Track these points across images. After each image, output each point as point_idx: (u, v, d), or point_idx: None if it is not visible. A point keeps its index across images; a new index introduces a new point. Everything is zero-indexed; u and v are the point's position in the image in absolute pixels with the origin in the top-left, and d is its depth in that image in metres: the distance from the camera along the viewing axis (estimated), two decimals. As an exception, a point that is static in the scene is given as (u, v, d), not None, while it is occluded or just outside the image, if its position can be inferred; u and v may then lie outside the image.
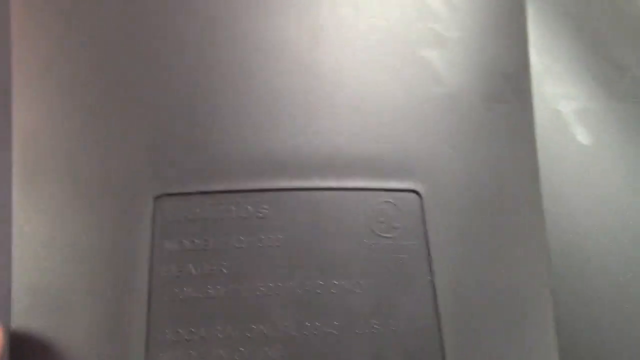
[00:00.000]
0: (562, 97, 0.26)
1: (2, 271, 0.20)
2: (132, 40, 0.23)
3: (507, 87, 0.25)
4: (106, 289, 0.20)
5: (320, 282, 0.20)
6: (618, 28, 0.29)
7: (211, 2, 0.24)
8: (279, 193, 0.21)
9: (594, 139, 0.25)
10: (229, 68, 0.23)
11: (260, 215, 0.21)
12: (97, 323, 0.20)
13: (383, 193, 0.22)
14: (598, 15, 0.29)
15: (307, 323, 0.20)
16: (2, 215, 0.21)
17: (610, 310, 0.22)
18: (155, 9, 0.24)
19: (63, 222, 0.21)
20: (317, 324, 0.20)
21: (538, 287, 0.22)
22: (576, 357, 0.22)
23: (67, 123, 0.22)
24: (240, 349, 0.20)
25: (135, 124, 0.22)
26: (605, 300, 0.23)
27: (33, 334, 0.20)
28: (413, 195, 0.22)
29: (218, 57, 0.23)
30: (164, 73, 0.23)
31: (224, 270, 0.20)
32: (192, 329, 0.20)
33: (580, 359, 0.22)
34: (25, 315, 0.20)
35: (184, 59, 0.23)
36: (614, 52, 0.28)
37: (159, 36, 0.23)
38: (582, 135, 0.25)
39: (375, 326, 0.20)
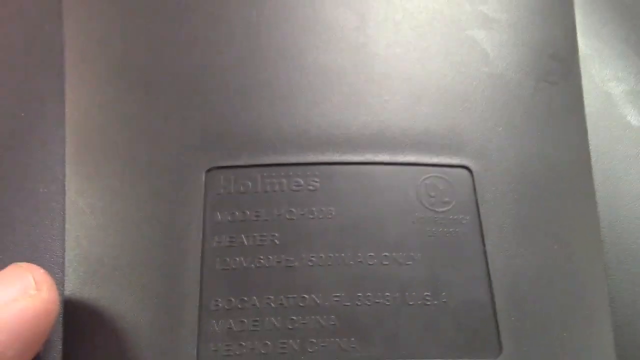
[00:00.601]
0: (610, 80, 0.25)
1: (56, 241, 0.21)
2: (185, 19, 0.24)
3: (556, 68, 0.25)
4: (159, 259, 0.20)
5: (372, 254, 0.20)
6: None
7: None
8: (329, 166, 0.22)
9: (644, 120, 0.24)
10: (279, 46, 0.23)
11: (312, 187, 0.21)
12: (150, 292, 0.20)
13: (434, 168, 0.22)
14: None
15: (358, 294, 0.20)
16: (54, 186, 0.21)
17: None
18: None
19: (115, 194, 0.21)
20: (368, 294, 0.20)
21: (592, 269, 0.22)
22: (632, 341, 0.21)
23: (119, 100, 0.22)
24: (292, 317, 0.20)
25: (187, 99, 0.22)
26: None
27: (86, 303, 0.20)
28: (464, 171, 0.22)
29: (268, 35, 0.23)
30: (216, 50, 0.23)
31: (276, 241, 0.20)
32: (245, 298, 0.20)
33: (635, 342, 0.21)
34: (79, 284, 0.20)
35: (235, 37, 0.23)
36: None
37: (211, 16, 0.24)
38: (632, 116, 0.24)
39: (427, 298, 0.20)
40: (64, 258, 0.20)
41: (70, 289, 0.20)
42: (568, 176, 0.23)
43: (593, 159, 0.23)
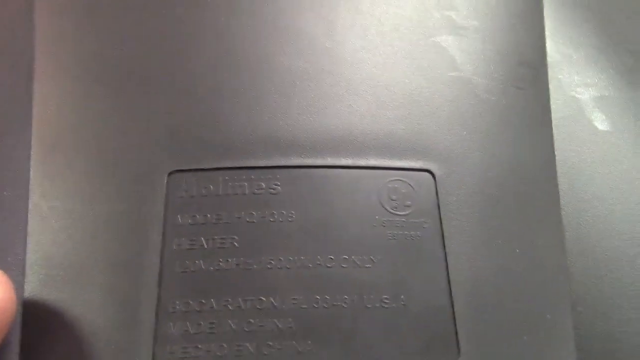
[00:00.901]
0: (579, 85, 0.25)
1: (18, 244, 0.21)
2: (154, 20, 0.24)
3: (524, 74, 0.25)
4: (118, 261, 0.20)
5: (331, 257, 0.20)
6: (636, 20, 0.28)
7: None
8: (291, 170, 0.22)
9: (611, 125, 0.25)
10: (245, 50, 0.24)
11: (273, 191, 0.21)
12: (109, 294, 0.20)
13: (396, 172, 0.22)
14: (616, 8, 0.29)
15: (317, 296, 0.20)
16: (18, 190, 0.21)
17: (628, 295, 0.22)
18: None
19: (78, 196, 0.21)
20: (327, 297, 0.20)
21: (554, 273, 0.22)
22: (592, 339, 0.21)
23: (84, 102, 0.23)
24: (250, 320, 0.20)
25: (152, 102, 0.22)
26: (623, 284, 0.22)
27: (46, 304, 0.20)
28: (427, 175, 0.22)
29: (235, 39, 0.24)
30: (183, 54, 0.23)
31: (236, 244, 0.20)
32: (203, 300, 0.20)
33: (598, 347, 0.21)
34: (39, 286, 0.20)
35: (203, 41, 0.24)
36: (633, 42, 0.27)
37: (180, 20, 0.24)
38: (599, 121, 0.25)
39: (385, 301, 0.20)
40: (24, 260, 0.20)
41: (31, 290, 0.20)
42: (532, 181, 0.23)
43: (559, 163, 0.24)
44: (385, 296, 0.20)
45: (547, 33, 0.27)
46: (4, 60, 0.24)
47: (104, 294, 0.20)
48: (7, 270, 0.19)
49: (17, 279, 0.20)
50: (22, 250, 0.21)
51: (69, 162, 0.22)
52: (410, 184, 0.22)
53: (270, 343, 0.19)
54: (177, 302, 0.20)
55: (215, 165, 0.22)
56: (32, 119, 0.22)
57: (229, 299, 0.20)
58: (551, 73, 0.25)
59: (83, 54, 0.24)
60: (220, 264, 0.20)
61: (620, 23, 0.28)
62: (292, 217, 0.21)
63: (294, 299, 0.20)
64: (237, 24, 0.24)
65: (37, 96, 0.23)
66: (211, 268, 0.20)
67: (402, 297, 0.20)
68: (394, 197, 0.22)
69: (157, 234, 0.21)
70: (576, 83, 0.26)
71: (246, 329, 0.20)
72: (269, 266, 0.20)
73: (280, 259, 0.20)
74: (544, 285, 0.21)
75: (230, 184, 0.21)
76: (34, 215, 0.21)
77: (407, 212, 0.21)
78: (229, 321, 0.20)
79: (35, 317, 0.20)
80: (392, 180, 0.22)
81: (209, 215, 0.21)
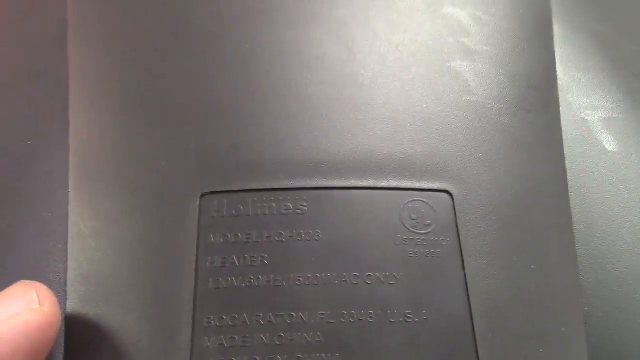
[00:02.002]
0: (588, 107, 0.27)
1: (59, 262, 0.22)
2: (183, 47, 0.25)
3: (535, 97, 0.26)
4: (155, 279, 0.21)
5: (356, 274, 0.21)
6: (642, 45, 0.30)
7: (254, 17, 0.26)
8: (317, 191, 0.23)
9: (620, 146, 0.26)
10: (270, 76, 0.25)
11: (300, 212, 0.22)
12: (146, 310, 0.21)
13: (416, 192, 0.23)
14: (622, 34, 0.30)
15: (343, 311, 0.21)
16: (58, 211, 0.23)
17: (638, 310, 0.23)
18: (201, 22, 0.25)
19: (114, 218, 0.22)
20: (352, 312, 0.21)
21: (567, 289, 0.23)
22: (604, 352, 0.22)
23: (118, 127, 0.24)
24: (281, 334, 0.21)
25: (183, 127, 0.24)
26: (633, 299, 0.23)
27: (86, 320, 0.21)
28: (445, 195, 0.23)
29: (260, 66, 0.25)
30: (211, 80, 0.25)
31: (265, 262, 0.22)
32: (235, 315, 0.21)
33: (607, 354, 0.22)
34: (79, 303, 0.21)
35: (229, 68, 0.25)
36: (638, 67, 0.29)
37: (206, 47, 0.25)
38: (608, 142, 0.26)
39: (408, 316, 0.21)
40: (65, 278, 0.21)
41: (71, 307, 0.21)
42: (545, 200, 0.24)
43: (570, 184, 0.25)
44: (408, 311, 0.21)
45: (557, 57, 0.28)
46: (41, 87, 0.25)
47: (141, 310, 0.21)
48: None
49: (59, 296, 0.21)
50: (62, 268, 0.22)
51: (105, 186, 0.23)
52: (429, 204, 0.23)
53: (300, 356, 0.20)
54: (212, 317, 0.21)
55: (244, 187, 0.23)
56: (69, 147, 0.23)
57: (261, 314, 0.21)
58: (561, 96, 0.27)
59: (114, 84, 0.25)
60: (252, 280, 0.21)
61: (626, 49, 0.29)
62: (318, 236, 0.22)
63: (321, 314, 0.21)
64: (261, 51, 0.26)
65: (73, 124, 0.24)
66: (243, 285, 0.21)
67: (424, 312, 0.21)
68: (414, 216, 0.23)
69: (191, 252, 0.22)
70: (585, 105, 0.27)
71: (277, 343, 0.21)
72: (297, 283, 0.21)
73: (308, 276, 0.21)
74: (558, 300, 0.22)
75: (259, 204, 0.23)
76: (72, 235, 0.22)
77: (427, 231, 0.22)
78: (261, 335, 0.21)
79: (76, 333, 0.21)
80: (412, 201, 0.23)
81: (239, 235, 0.22)
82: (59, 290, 0.21)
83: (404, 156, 0.24)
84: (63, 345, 0.21)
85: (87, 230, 0.22)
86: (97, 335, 0.21)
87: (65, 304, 0.21)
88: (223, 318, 0.21)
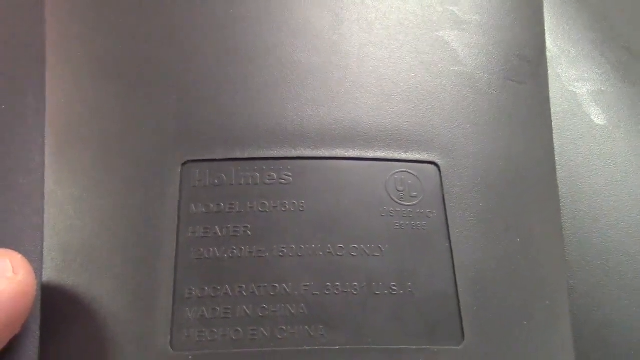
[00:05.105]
0: (576, 80, 0.26)
1: (35, 230, 0.21)
2: (162, 14, 0.24)
3: (524, 68, 0.26)
4: (135, 249, 0.21)
5: (341, 246, 0.21)
6: (632, 17, 0.29)
7: None
8: (302, 161, 0.22)
9: (608, 119, 0.25)
10: (254, 43, 0.24)
11: (284, 181, 0.22)
12: (126, 280, 0.21)
13: (403, 164, 0.23)
14: (612, 6, 0.29)
15: (327, 283, 0.21)
16: (33, 177, 0.22)
17: (622, 283, 0.23)
18: None
19: (93, 185, 0.22)
20: (337, 284, 0.21)
21: (552, 262, 0.23)
22: (590, 331, 0.22)
23: (98, 93, 0.23)
24: (264, 306, 0.20)
25: (164, 94, 0.23)
26: (617, 273, 0.23)
27: (64, 290, 0.20)
28: (432, 167, 0.23)
29: (244, 32, 0.24)
30: (193, 47, 0.24)
31: (248, 232, 0.21)
32: (217, 287, 0.20)
33: (593, 333, 0.22)
34: (56, 271, 0.21)
35: (212, 34, 0.24)
36: (629, 41, 0.28)
37: (188, 12, 0.24)
38: (596, 115, 0.25)
39: (393, 288, 0.21)
40: (42, 246, 0.21)
41: (48, 276, 0.21)
42: (532, 172, 0.24)
43: (558, 156, 0.24)
44: (393, 283, 0.21)
45: (546, 28, 0.27)
46: (16, 52, 0.24)
47: (121, 280, 0.21)
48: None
49: (35, 265, 0.20)
50: (39, 237, 0.21)
51: (84, 152, 0.22)
52: (416, 176, 0.23)
53: (284, 327, 0.20)
54: (193, 288, 0.20)
55: (227, 156, 0.22)
56: (46, 111, 0.22)
57: (243, 285, 0.21)
58: (550, 67, 0.26)
59: (94, 48, 0.24)
60: (234, 251, 0.21)
61: (616, 21, 0.29)
62: (302, 206, 0.22)
63: (305, 285, 0.21)
64: (244, 17, 0.25)
65: (50, 89, 0.23)
66: (225, 255, 0.21)
67: (409, 284, 0.21)
68: (400, 188, 0.22)
69: (171, 221, 0.21)
70: (574, 77, 0.26)
71: (260, 314, 0.20)
72: (281, 254, 0.21)
73: (292, 247, 0.21)
74: (543, 273, 0.22)
75: (242, 174, 0.22)
76: (49, 202, 0.22)
77: (413, 203, 0.22)
78: (244, 306, 0.20)
79: (54, 302, 0.20)
80: (398, 172, 0.23)
81: (222, 205, 0.22)
82: (35, 259, 0.21)
83: (391, 126, 0.23)
84: (39, 314, 0.20)
85: (64, 198, 0.21)
86: (74, 305, 0.20)
87: (42, 273, 0.20)
88: (204, 289, 0.20)
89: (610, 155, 0.25)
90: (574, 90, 0.26)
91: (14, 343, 0.19)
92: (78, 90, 0.23)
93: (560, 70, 0.26)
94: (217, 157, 0.22)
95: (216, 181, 0.22)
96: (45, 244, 0.21)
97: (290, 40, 0.24)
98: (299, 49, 0.24)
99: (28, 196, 0.22)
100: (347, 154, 0.22)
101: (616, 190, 0.24)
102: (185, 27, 0.24)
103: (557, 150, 0.24)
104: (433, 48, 0.25)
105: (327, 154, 0.22)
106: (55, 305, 0.20)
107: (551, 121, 0.25)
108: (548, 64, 0.26)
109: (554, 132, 0.25)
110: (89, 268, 0.21)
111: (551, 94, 0.25)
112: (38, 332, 0.20)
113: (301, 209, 0.21)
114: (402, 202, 0.22)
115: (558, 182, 0.24)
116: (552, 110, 0.25)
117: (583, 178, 0.24)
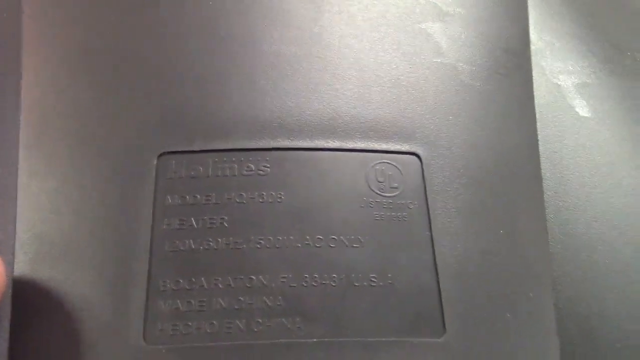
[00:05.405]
0: (561, 72, 0.26)
1: (8, 222, 0.21)
2: (141, 7, 0.24)
3: (507, 60, 0.25)
4: (109, 241, 0.20)
5: (320, 237, 0.21)
6: (618, 13, 0.29)
7: None
8: (280, 152, 0.22)
9: (592, 112, 0.25)
10: (234, 33, 0.24)
11: (262, 173, 0.22)
12: (100, 272, 0.20)
13: (383, 154, 0.22)
14: (597, 2, 0.29)
15: (305, 275, 0.20)
16: (6, 168, 0.21)
17: (605, 276, 0.23)
18: None
19: (68, 177, 0.21)
20: (315, 276, 0.20)
21: (536, 253, 0.22)
22: (573, 322, 0.22)
23: (73, 84, 0.23)
24: (240, 298, 0.20)
25: (140, 84, 0.23)
26: (601, 266, 0.23)
27: (37, 283, 0.20)
28: (413, 158, 0.22)
29: (223, 23, 0.24)
30: (171, 37, 0.23)
31: (225, 224, 0.21)
32: (193, 279, 0.20)
33: (578, 325, 0.22)
34: (29, 264, 0.20)
35: (190, 24, 0.24)
36: (614, 35, 0.28)
37: (167, 3, 0.24)
38: (580, 108, 0.25)
39: (373, 280, 0.20)
40: (14, 239, 0.20)
41: (21, 268, 0.20)
42: (516, 164, 0.23)
43: (542, 149, 0.24)
44: (373, 275, 0.20)
45: (531, 22, 0.27)
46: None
47: (94, 272, 0.20)
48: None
49: (7, 258, 0.20)
50: (11, 229, 0.21)
51: (59, 144, 0.22)
52: (397, 167, 0.22)
53: (260, 320, 0.20)
54: (168, 281, 0.20)
55: (204, 147, 0.22)
56: (21, 101, 0.22)
57: (219, 278, 0.20)
58: (534, 60, 0.26)
59: (69, 40, 0.24)
60: (210, 243, 0.20)
61: (600, 16, 0.28)
62: (281, 198, 0.21)
63: (283, 277, 0.20)
64: (223, 7, 0.24)
65: (26, 80, 0.23)
66: (201, 247, 0.20)
67: (390, 275, 0.21)
68: (381, 179, 0.22)
69: (146, 213, 0.21)
70: (558, 70, 0.26)
71: (236, 307, 0.20)
72: (258, 246, 0.21)
73: (269, 239, 0.21)
74: (526, 265, 0.22)
75: (219, 165, 0.22)
76: (23, 194, 0.21)
77: (394, 194, 0.22)
78: (219, 299, 0.20)
79: (26, 295, 0.20)
80: (379, 163, 0.22)
81: (198, 196, 0.21)
82: (7, 252, 0.20)
83: (372, 117, 0.23)
84: (9, 308, 0.19)
85: (39, 190, 0.21)
86: (47, 298, 0.20)
87: (13, 266, 0.20)
88: (179, 281, 0.20)
89: (594, 147, 0.25)
90: (558, 82, 0.26)
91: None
92: (53, 82, 0.23)
93: (545, 63, 0.26)
94: (194, 149, 0.22)
95: (192, 173, 0.21)
96: (18, 236, 0.20)
97: (270, 31, 0.24)
98: (278, 39, 0.24)
99: (1, 188, 0.21)
100: (326, 145, 0.22)
101: (601, 182, 0.24)
102: (163, 19, 0.24)
103: (541, 142, 0.24)
104: (415, 40, 0.25)
105: (306, 144, 0.22)
106: (27, 299, 0.20)
107: (535, 113, 0.24)
108: (532, 57, 0.26)
109: (538, 124, 0.24)
110: (63, 261, 0.20)
111: (535, 87, 0.25)
112: (8, 325, 0.19)
113: (279, 200, 0.21)
114: (383, 194, 0.22)
115: (542, 174, 0.23)
116: (536, 102, 0.25)
117: (567, 170, 0.24)
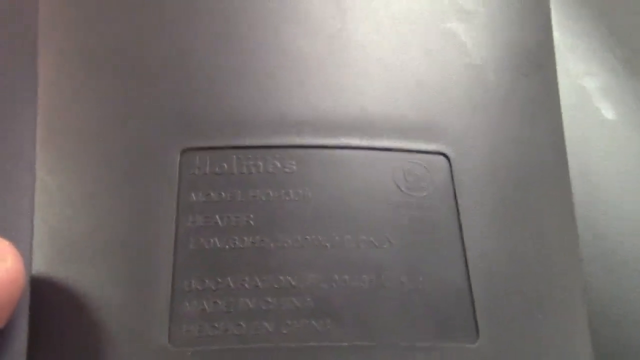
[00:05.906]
0: (585, 74, 0.26)
1: (24, 218, 0.20)
2: (162, 3, 0.23)
3: (531, 61, 0.25)
4: (131, 239, 0.20)
5: (348, 237, 0.20)
6: (637, 15, 0.29)
7: None
8: (306, 150, 0.21)
9: (618, 114, 0.25)
10: (257, 29, 0.23)
11: (288, 170, 0.21)
12: (122, 272, 0.19)
13: (411, 154, 0.22)
14: (617, 6, 0.29)
15: (335, 276, 0.20)
16: (23, 164, 0.21)
17: (638, 279, 0.22)
18: None
19: (87, 174, 0.21)
20: (345, 277, 0.20)
21: (566, 255, 0.22)
22: (606, 325, 0.21)
23: (93, 80, 0.22)
24: (267, 299, 0.19)
25: (164, 79, 0.22)
26: (633, 269, 0.22)
27: (55, 281, 0.19)
28: (441, 157, 0.22)
29: (247, 19, 0.23)
30: (194, 33, 0.23)
31: (251, 222, 0.20)
32: (219, 279, 0.19)
33: (609, 327, 0.21)
34: (47, 263, 0.19)
35: (214, 21, 0.23)
36: (634, 37, 0.28)
37: (189, 0, 0.23)
38: (606, 110, 0.25)
39: (403, 282, 0.20)
40: (31, 236, 0.20)
41: (39, 266, 0.19)
42: (544, 166, 0.23)
43: (568, 150, 0.24)
44: (403, 277, 0.20)
45: (554, 24, 0.27)
46: (7, 37, 0.23)
47: (116, 272, 0.19)
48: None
49: (24, 254, 0.19)
50: (28, 226, 0.20)
51: (77, 140, 0.21)
52: (424, 166, 0.22)
53: (289, 322, 0.19)
54: (193, 281, 0.19)
55: (228, 144, 0.21)
56: (38, 97, 0.21)
57: (246, 278, 0.19)
58: (559, 62, 0.26)
59: (88, 36, 0.23)
60: (236, 242, 0.20)
61: (621, 20, 0.28)
62: (307, 196, 0.21)
63: (311, 277, 0.20)
64: (245, 5, 0.24)
65: (42, 75, 0.22)
66: (227, 246, 0.20)
67: (420, 278, 0.20)
68: (409, 178, 0.21)
69: (170, 210, 0.20)
70: (583, 72, 0.26)
71: (264, 308, 0.19)
72: (285, 245, 0.20)
73: (297, 238, 0.20)
74: (557, 266, 0.21)
75: (244, 162, 0.21)
76: (40, 191, 0.20)
77: (422, 194, 0.21)
78: (246, 300, 0.19)
79: (44, 294, 0.19)
80: (406, 162, 0.22)
81: (223, 194, 0.20)
82: (24, 248, 0.19)
83: (399, 116, 0.22)
84: (28, 306, 0.19)
85: (56, 187, 0.20)
86: (65, 298, 0.19)
87: (31, 264, 0.19)
88: (205, 281, 0.19)
89: (621, 149, 0.24)
90: (583, 84, 0.25)
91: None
92: (72, 77, 0.22)
93: (569, 65, 0.26)
94: (218, 145, 0.21)
95: (217, 169, 0.21)
96: (35, 233, 0.20)
97: (293, 29, 0.23)
98: (302, 37, 0.23)
99: (17, 183, 0.20)
100: (353, 143, 0.22)
101: (630, 184, 0.24)
102: (186, 16, 0.23)
103: (567, 143, 0.24)
104: (439, 39, 0.24)
105: (332, 142, 0.21)
106: (45, 298, 0.19)
107: (561, 114, 0.24)
108: (556, 58, 0.25)
109: (564, 126, 0.24)
110: (81, 260, 0.19)
111: (560, 88, 0.25)
112: (26, 327, 0.18)
113: (306, 199, 0.20)
114: (411, 193, 0.21)
115: (570, 175, 0.23)
116: (562, 103, 0.24)
117: (595, 172, 0.24)
